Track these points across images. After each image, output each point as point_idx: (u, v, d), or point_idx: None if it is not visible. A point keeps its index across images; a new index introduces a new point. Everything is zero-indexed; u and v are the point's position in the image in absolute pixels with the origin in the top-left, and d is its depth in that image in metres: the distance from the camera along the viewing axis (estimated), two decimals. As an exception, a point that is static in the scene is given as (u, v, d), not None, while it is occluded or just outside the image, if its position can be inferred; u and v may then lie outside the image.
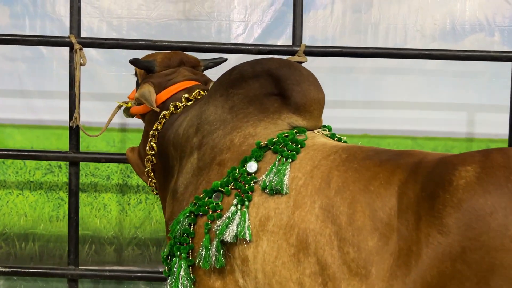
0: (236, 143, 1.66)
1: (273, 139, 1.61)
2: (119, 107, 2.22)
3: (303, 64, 2.23)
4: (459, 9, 3.21)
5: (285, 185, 1.49)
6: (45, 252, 3.19)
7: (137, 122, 3.02)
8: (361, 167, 1.42)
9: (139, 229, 3.21)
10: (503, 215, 1.20)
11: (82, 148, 2.91)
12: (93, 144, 3.17)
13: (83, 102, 2.82)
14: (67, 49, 2.82)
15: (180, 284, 1.59)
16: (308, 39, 2.90)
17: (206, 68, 2.20)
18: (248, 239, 1.49)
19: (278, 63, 1.75)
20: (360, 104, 3.23)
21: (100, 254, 3.19)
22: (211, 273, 1.57)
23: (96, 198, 3.20)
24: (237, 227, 1.50)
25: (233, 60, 2.72)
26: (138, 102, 2.08)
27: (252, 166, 1.57)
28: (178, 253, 1.62)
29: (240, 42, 3.14)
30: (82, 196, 3.09)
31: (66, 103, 2.84)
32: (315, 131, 1.71)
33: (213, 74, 2.14)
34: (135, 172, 3.16)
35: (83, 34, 2.87)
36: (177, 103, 1.95)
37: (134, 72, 2.17)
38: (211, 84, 2.03)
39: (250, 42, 3.14)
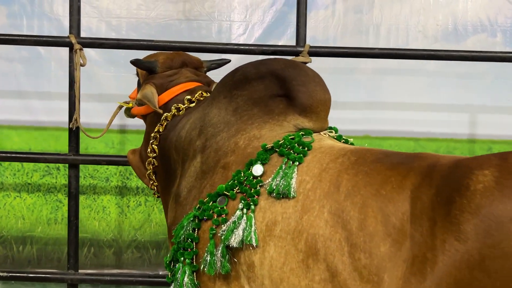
0: (241, 146, 1.63)
1: (279, 141, 1.58)
2: (120, 107, 2.20)
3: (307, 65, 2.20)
4: (461, 9, 3.21)
5: (292, 189, 1.46)
6: (43, 256, 3.16)
7: (137, 124, 3.01)
8: (372, 170, 1.39)
9: (139, 231, 3.19)
10: None
11: (81, 150, 2.88)
12: (92, 146, 3.15)
13: (81, 103, 2.79)
14: (65, 49, 2.79)
15: (184, 290, 1.56)
16: (309, 39, 2.88)
17: (209, 69, 2.17)
18: (254, 244, 1.46)
19: (283, 63, 1.72)
20: (362, 105, 3.22)
21: (99, 257, 3.17)
22: (216, 279, 1.54)
23: (95, 200, 3.18)
24: (243, 232, 1.47)
25: (235, 60, 2.68)
26: (140, 102, 2.05)
27: (257, 169, 1.54)
28: (182, 258, 1.59)
29: (240, 42, 3.12)
30: (81, 198, 3.07)
31: (64, 104, 2.82)
32: (321, 133, 1.68)
33: (216, 75, 2.11)
34: (134, 174, 3.17)
35: (82, 34, 2.84)
36: (179, 105, 1.92)
37: (136, 72, 2.15)
38: (214, 86, 2.00)
39: (251, 42, 3.12)
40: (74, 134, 2.78)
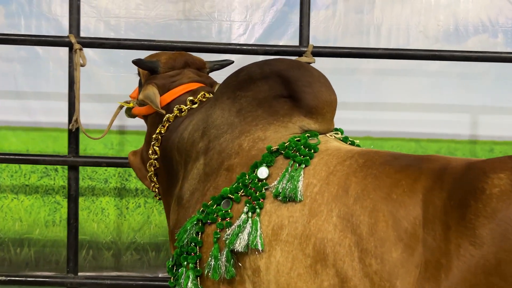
0: (245, 148, 1.60)
1: (285, 143, 1.56)
2: (121, 107, 2.18)
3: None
4: (462, 10, 3.21)
5: (299, 192, 1.43)
6: (41, 258, 3.13)
7: (136, 124, 2.99)
8: (381, 173, 1.36)
9: (138, 233, 3.16)
10: None
11: (80, 151, 2.85)
12: (91, 147, 3.12)
13: (80, 104, 2.76)
14: (63, 49, 2.77)
15: (188, 295, 1.53)
16: (310, 39, 2.86)
17: (212, 70, 2.15)
18: (260, 248, 1.43)
19: (288, 64, 1.70)
20: (363, 106, 3.21)
21: (98, 259, 3.14)
22: (220, 284, 1.51)
23: (93, 202, 3.16)
24: (249, 236, 1.45)
25: (236, 61, 2.66)
26: (141, 103, 2.02)
27: (263, 172, 1.52)
28: (185, 263, 1.56)
29: (241, 42, 3.10)
30: (79, 200, 3.04)
31: (63, 105, 2.80)
32: (327, 134, 1.66)
33: (219, 76, 2.08)
34: (133, 175, 3.14)
35: (81, 34, 2.81)
36: (181, 106, 1.90)
37: (137, 72, 2.12)
38: (217, 87, 1.98)
39: (251, 42, 3.10)
40: (73, 135, 2.75)
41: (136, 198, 3.17)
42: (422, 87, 3.19)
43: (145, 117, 2.07)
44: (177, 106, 1.90)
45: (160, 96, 1.93)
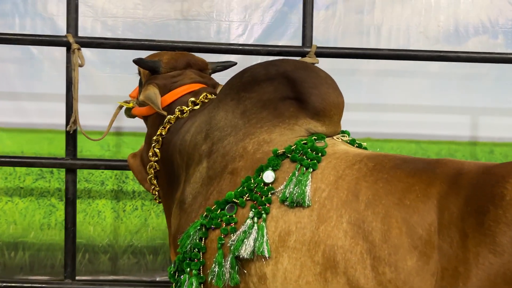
0: (250, 151, 1.56)
1: (291, 146, 1.52)
2: (120, 107, 2.14)
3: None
4: (462, 11, 3.20)
5: (307, 197, 1.39)
6: (36, 262, 3.09)
7: (133, 126, 2.95)
8: (392, 177, 1.32)
9: (135, 236, 3.12)
10: None
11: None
12: (87, 149, 3.08)
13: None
14: (58, 49, 2.72)
15: (190, 303, 1.49)
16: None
17: (214, 71, 2.11)
18: (267, 255, 1.39)
19: (294, 64, 1.66)
20: (363, 107, 3.19)
21: (94, 263, 3.10)
22: (224, 291, 1.47)
23: (90, 204, 3.11)
24: (255, 242, 1.41)
25: (236, 60, 2.63)
26: (141, 103, 1.98)
27: (269, 176, 1.48)
28: (188, 269, 1.52)
29: (240, 43, 3.07)
30: (75, 203, 3.00)
31: (58, 106, 2.76)
32: (334, 137, 1.62)
33: (222, 77, 2.04)
34: (131, 178, 3.10)
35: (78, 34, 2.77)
36: (183, 107, 1.86)
37: (138, 71, 2.08)
38: (219, 88, 1.94)
39: (250, 43, 3.07)
40: (71, 137, 2.70)
41: (133, 200, 3.13)
42: (422, 88, 3.18)
43: (145, 118, 2.03)
44: (179, 107, 1.86)
45: (161, 96, 1.89)
